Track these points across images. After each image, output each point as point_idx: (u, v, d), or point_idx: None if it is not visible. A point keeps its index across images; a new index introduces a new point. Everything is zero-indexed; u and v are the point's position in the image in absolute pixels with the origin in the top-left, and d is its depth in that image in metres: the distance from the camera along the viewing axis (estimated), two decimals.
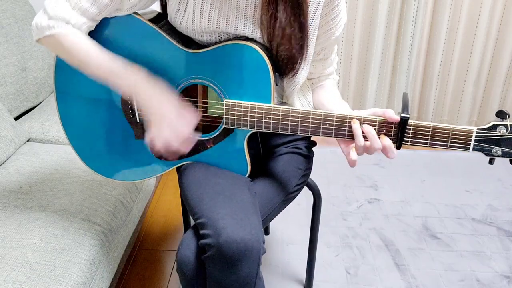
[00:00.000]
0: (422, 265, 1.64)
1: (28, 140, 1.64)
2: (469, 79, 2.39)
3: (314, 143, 1.22)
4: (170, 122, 0.92)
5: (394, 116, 0.89)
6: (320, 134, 0.95)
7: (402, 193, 2.06)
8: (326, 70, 1.14)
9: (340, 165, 2.26)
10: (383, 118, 0.91)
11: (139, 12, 1.00)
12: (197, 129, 1.06)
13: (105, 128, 1.08)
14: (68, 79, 1.05)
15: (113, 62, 0.93)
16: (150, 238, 1.76)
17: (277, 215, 1.12)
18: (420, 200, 2.00)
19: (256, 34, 0.96)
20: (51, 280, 1.02)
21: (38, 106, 1.84)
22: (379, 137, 0.90)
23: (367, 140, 0.91)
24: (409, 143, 0.91)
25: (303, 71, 1.03)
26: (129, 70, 0.94)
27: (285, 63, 0.98)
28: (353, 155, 0.92)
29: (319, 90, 1.15)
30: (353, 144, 0.93)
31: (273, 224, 1.82)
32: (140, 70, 0.95)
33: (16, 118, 1.75)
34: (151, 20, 0.99)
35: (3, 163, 1.46)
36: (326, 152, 2.37)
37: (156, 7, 1.08)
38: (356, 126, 0.91)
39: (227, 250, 0.87)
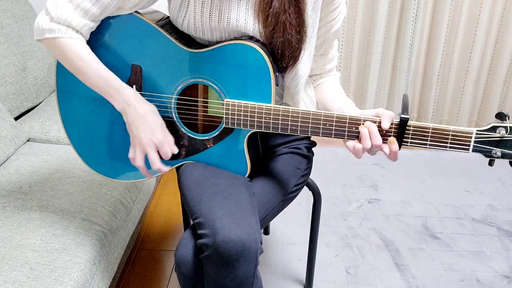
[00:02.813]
0: (422, 265, 1.64)
1: (28, 140, 1.64)
2: (469, 79, 2.39)
3: (314, 143, 1.22)
4: (147, 150, 0.97)
5: (387, 121, 0.89)
6: (320, 134, 0.95)
7: (402, 193, 2.06)
8: (327, 66, 1.15)
9: (340, 165, 2.26)
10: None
11: (141, 11, 1.00)
12: (197, 129, 1.07)
13: (105, 128, 1.08)
14: (69, 78, 1.05)
15: (110, 77, 0.96)
16: (150, 238, 1.76)
17: (276, 215, 1.12)
18: (420, 200, 2.00)
19: (256, 28, 0.96)
20: (51, 280, 1.02)
21: (38, 106, 1.84)
22: (387, 141, 0.90)
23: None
24: (408, 144, 0.91)
25: (304, 63, 1.02)
26: (124, 87, 0.96)
27: (281, 52, 0.97)
28: (358, 145, 0.91)
29: (322, 88, 1.15)
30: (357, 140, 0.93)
31: (273, 224, 1.82)
32: (133, 89, 0.98)
33: (16, 118, 1.75)
34: (153, 20, 0.99)
35: (3, 163, 1.46)
36: (326, 152, 2.37)
37: (157, 7, 1.08)
38: (363, 130, 0.91)
39: (224, 250, 0.87)
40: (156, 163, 0.98)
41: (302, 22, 0.96)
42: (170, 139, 1.00)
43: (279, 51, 0.97)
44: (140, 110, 0.96)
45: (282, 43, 0.96)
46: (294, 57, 0.99)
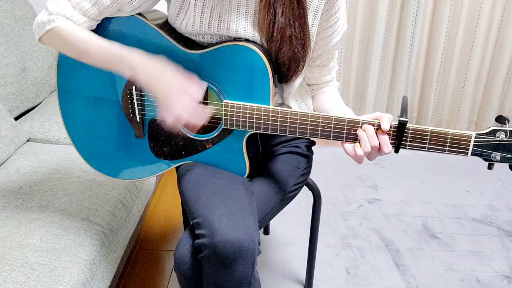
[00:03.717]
0: (422, 265, 1.64)
1: (28, 140, 1.64)
2: (469, 79, 2.39)
3: (313, 142, 1.22)
4: (176, 97, 0.90)
5: (386, 123, 0.89)
6: (319, 136, 0.95)
7: (402, 193, 2.06)
8: (324, 78, 1.14)
9: (340, 165, 2.26)
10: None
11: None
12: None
13: (106, 128, 1.08)
14: (70, 78, 1.05)
15: (112, 46, 0.94)
16: (150, 238, 1.76)
17: (276, 214, 1.12)
18: (420, 200, 2.00)
19: (256, 37, 0.96)
20: (51, 280, 1.02)
21: (38, 106, 1.84)
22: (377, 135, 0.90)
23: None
24: (407, 147, 0.91)
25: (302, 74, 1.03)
26: (128, 52, 0.93)
27: (287, 65, 0.98)
28: (358, 150, 0.91)
29: (320, 96, 1.15)
30: (357, 143, 0.93)
31: (273, 224, 1.82)
32: (139, 51, 0.93)
33: (16, 118, 1.75)
34: (152, 19, 0.99)
35: (3, 163, 1.46)
36: (325, 152, 2.37)
37: (157, 6, 1.08)
38: (362, 133, 0.91)
39: (222, 250, 0.87)
40: (183, 114, 0.90)
41: (307, 36, 0.96)
42: (193, 79, 0.93)
43: (287, 65, 0.97)
44: (148, 69, 0.91)
45: (289, 57, 0.96)
46: (297, 71, 0.99)
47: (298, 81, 1.04)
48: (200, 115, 0.93)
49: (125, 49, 0.93)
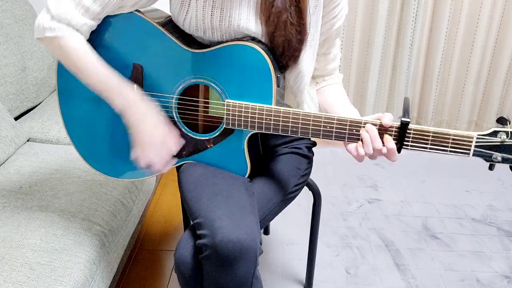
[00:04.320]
0: (422, 265, 1.64)
1: (28, 140, 1.64)
2: (469, 79, 2.39)
3: (314, 143, 1.22)
4: (155, 147, 0.97)
5: (388, 122, 0.89)
6: (321, 136, 0.95)
7: (402, 193, 2.06)
8: (329, 66, 1.14)
9: (340, 165, 2.26)
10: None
11: (142, 10, 1.00)
12: (197, 129, 1.07)
13: (106, 128, 1.08)
14: (70, 79, 1.05)
15: (111, 76, 0.95)
16: (150, 238, 1.76)
17: (276, 215, 1.12)
18: (420, 200, 2.00)
19: (258, 30, 0.96)
20: (51, 280, 1.02)
21: (38, 106, 1.84)
22: (382, 139, 0.90)
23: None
24: (409, 148, 0.91)
25: (308, 62, 1.02)
26: (125, 87, 0.96)
27: (282, 51, 0.97)
28: (361, 150, 0.91)
29: (326, 93, 1.15)
30: (359, 143, 0.93)
31: (273, 224, 1.82)
32: (134, 89, 0.97)
33: (16, 118, 1.75)
34: (154, 19, 0.99)
35: (3, 163, 1.46)
36: (326, 152, 2.37)
37: (159, 6, 1.08)
38: (365, 135, 0.91)
39: (223, 250, 0.87)
40: (157, 163, 0.98)
41: (303, 23, 0.96)
42: (175, 134, 1.00)
43: (280, 50, 0.97)
44: (141, 110, 0.95)
45: (283, 42, 0.96)
46: (294, 57, 0.98)
47: (306, 71, 1.03)
48: (169, 164, 1.02)
49: (123, 83, 0.95)
